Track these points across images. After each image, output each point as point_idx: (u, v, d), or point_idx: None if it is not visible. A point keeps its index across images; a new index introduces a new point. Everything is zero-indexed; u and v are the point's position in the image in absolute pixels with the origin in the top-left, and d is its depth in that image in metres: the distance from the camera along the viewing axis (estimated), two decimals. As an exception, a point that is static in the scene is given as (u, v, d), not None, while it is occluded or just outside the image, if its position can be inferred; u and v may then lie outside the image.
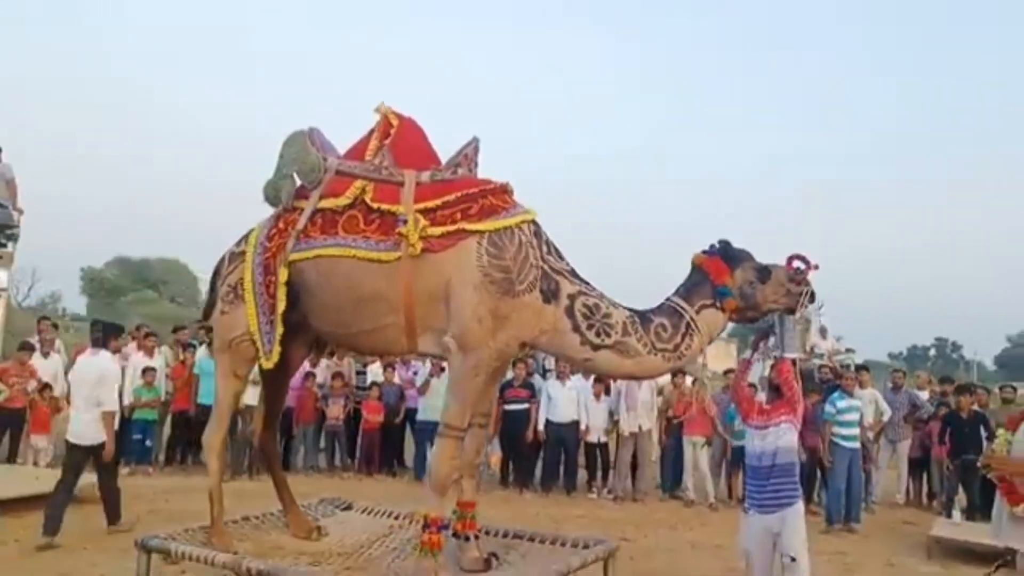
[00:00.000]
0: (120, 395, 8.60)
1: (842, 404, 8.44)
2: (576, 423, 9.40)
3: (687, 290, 3.84)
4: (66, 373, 8.30)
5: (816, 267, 3.83)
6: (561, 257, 3.89)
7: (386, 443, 10.25)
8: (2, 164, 9.89)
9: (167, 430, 9.81)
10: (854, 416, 8.42)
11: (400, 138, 4.22)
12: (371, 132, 4.31)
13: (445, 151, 4.22)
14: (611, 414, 9.56)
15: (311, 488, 8.53)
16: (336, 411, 9.89)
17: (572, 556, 4.00)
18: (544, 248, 3.83)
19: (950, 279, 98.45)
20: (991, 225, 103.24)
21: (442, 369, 9.87)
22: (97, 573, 5.48)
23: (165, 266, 43.51)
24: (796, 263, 3.84)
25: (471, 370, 3.75)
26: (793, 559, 4.06)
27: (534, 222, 3.88)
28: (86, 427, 6.19)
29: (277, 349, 4.12)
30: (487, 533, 4.29)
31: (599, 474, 9.69)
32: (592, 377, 9.74)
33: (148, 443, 9.16)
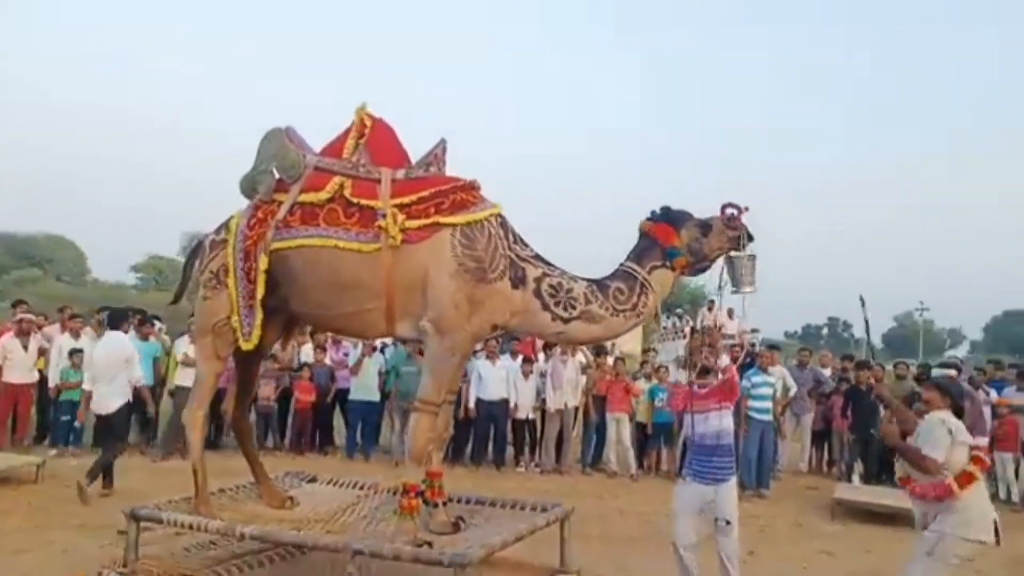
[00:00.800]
0: (45, 376, 8.51)
1: (757, 380, 9.11)
2: (505, 401, 9.75)
3: (637, 255, 4.29)
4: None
5: (747, 208, 4.29)
6: (526, 245, 4.27)
7: (317, 423, 10.36)
8: None
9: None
10: (768, 391, 9.11)
11: (374, 138, 4.52)
12: (347, 131, 4.58)
13: (414, 148, 4.54)
14: (538, 392, 9.97)
15: (243, 465, 8.64)
16: (268, 391, 9.96)
17: (534, 517, 4.36)
18: (510, 238, 4.22)
19: (841, 261, 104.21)
20: (879, 211, 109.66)
21: (374, 349, 10.12)
22: (56, 549, 5.54)
23: (51, 243, 41.35)
24: (729, 210, 4.29)
25: (448, 351, 4.13)
26: (728, 523, 4.60)
27: (500, 215, 4.25)
28: (109, 399, 7.16)
29: (257, 332, 4.37)
30: (452, 500, 4.57)
31: (526, 449, 10.10)
32: (520, 357, 10.18)
33: (76, 424, 8.96)
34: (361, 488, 5.09)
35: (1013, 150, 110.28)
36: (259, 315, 4.34)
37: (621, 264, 4.30)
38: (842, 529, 7.52)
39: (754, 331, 19.06)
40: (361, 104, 4.61)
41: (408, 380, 9.55)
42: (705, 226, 4.25)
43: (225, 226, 4.56)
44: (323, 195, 4.27)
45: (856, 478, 9.36)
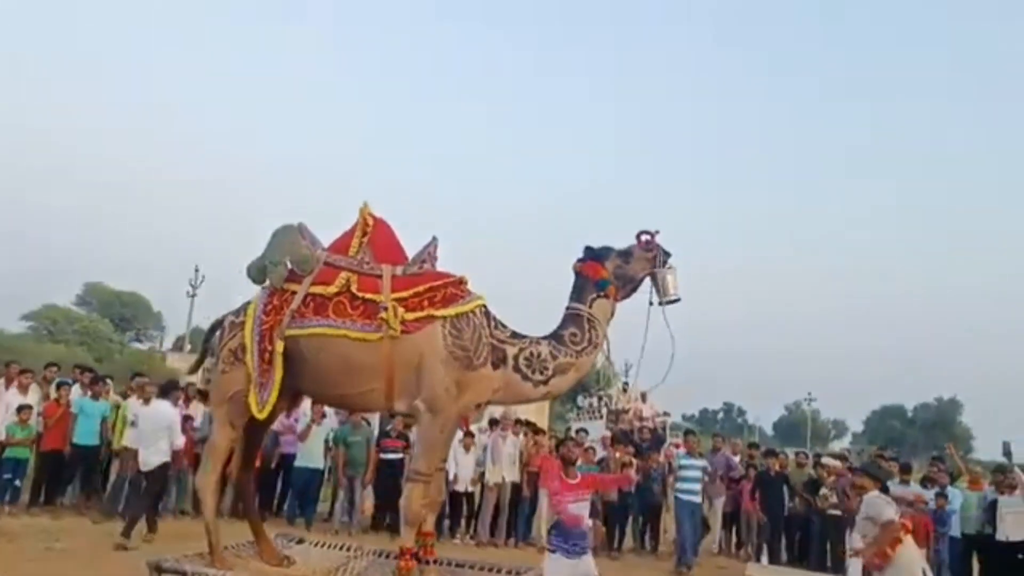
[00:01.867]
0: None
1: (686, 462, 9.98)
2: (444, 472, 10.22)
3: (577, 294, 5.08)
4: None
5: (657, 232, 5.13)
6: (504, 327, 5.01)
7: (259, 487, 10.47)
8: None
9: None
10: (696, 474, 9.91)
11: (376, 236, 5.22)
12: (352, 229, 5.27)
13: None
14: (477, 464, 10.51)
15: (188, 529, 8.84)
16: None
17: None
18: (492, 324, 4.95)
19: (738, 348, 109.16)
20: (779, 304, 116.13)
21: (324, 415, 10.47)
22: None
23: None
24: (643, 237, 5.12)
25: (439, 427, 4.82)
26: None
27: (484, 306, 4.98)
28: (152, 458, 8.21)
29: (270, 405, 4.90)
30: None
31: (463, 521, 10.53)
32: (463, 431, 10.74)
33: (17, 483, 8.92)
34: (347, 550, 5.55)
35: (897, 252, 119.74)
36: (275, 392, 4.86)
37: (567, 307, 5.03)
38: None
39: (665, 414, 20.29)
40: (364, 204, 5.32)
41: (356, 450, 10.00)
42: (626, 254, 5.11)
43: (243, 310, 5.14)
44: (332, 289, 4.92)
45: (764, 558, 10.26)
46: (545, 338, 4.97)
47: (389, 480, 10.17)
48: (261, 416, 4.94)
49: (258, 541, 5.28)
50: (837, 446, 64.66)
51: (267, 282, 5.14)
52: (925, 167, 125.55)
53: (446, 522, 10.46)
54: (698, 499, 9.87)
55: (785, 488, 10.46)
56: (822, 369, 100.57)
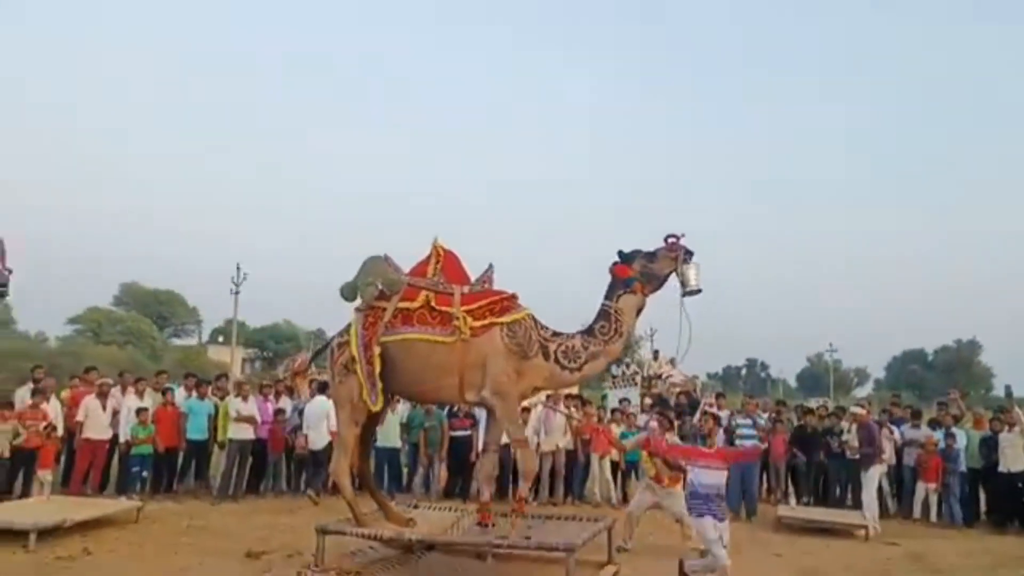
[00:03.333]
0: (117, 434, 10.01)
1: (742, 421, 11.37)
2: (508, 445, 11.55)
3: (608, 292, 6.31)
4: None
5: (683, 235, 6.29)
6: (547, 328, 6.34)
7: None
8: None
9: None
10: (751, 431, 11.20)
11: (446, 263, 6.55)
12: (427, 258, 6.58)
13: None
14: (535, 435, 11.82)
15: (289, 504, 10.28)
16: (303, 441, 11.43)
17: (589, 526, 6.24)
18: (538, 328, 6.29)
19: (759, 305, 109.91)
20: (795, 256, 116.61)
21: (398, 401, 11.80)
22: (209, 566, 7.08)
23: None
24: (669, 239, 6.29)
25: (512, 404, 6.21)
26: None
27: (531, 315, 6.32)
28: (318, 440, 10.73)
29: (381, 398, 6.21)
30: (528, 516, 6.42)
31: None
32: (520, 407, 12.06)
33: (144, 474, 10.35)
34: (455, 511, 6.88)
35: (912, 200, 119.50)
36: (380, 385, 6.17)
37: (601, 304, 6.28)
38: (786, 539, 9.62)
39: (695, 377, 21.51)
40: (435, 238, 6.67)
41: (432, 432, 11.45)
42: (651, 255, 6.32)
43: (346, 331, 6.43)
44: (415, 304, 6.28)
45: (792, 501, 11.55)
46: (579, 332, 6.32)
47: (459, 455, 11.60)
48: (376, 408, 6.24)
49: (384, 509, 6.58)
50: (860, 394, 65.87)
51: (358, 301, 6.43)
52: (947, 115, 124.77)
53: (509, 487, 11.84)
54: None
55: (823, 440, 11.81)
56: (842, 320, 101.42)
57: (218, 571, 6.89)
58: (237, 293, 41.44)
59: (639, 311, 6.32)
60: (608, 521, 6.48)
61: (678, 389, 18.55)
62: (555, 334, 6.28)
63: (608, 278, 6.41)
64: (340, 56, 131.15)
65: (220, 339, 60.19)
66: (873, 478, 10.33)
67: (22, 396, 10.19)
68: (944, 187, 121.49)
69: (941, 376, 64.55)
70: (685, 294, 6.20)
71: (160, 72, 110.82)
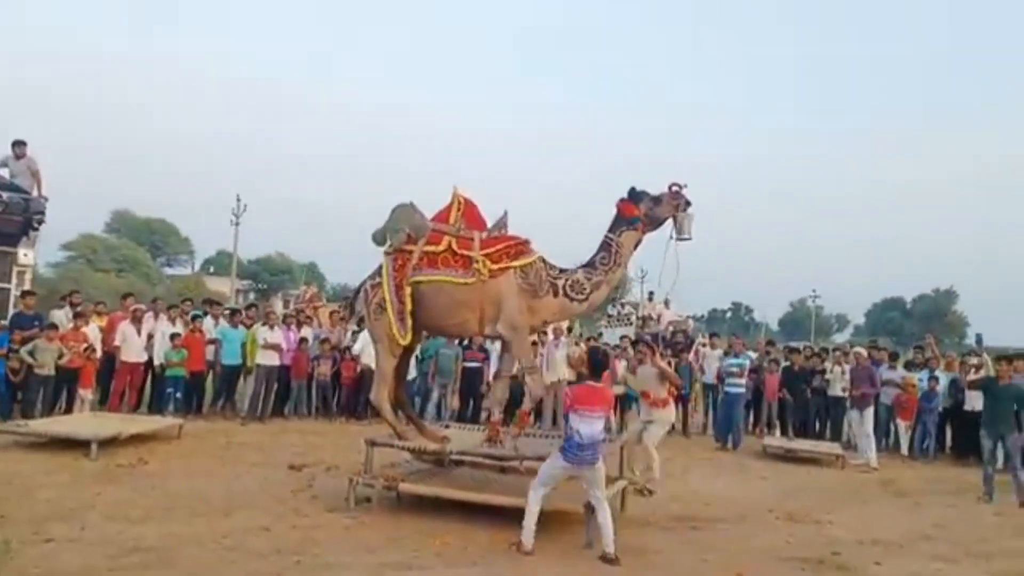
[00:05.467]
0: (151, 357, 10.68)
1: (731, 361, 12.21)
2: (516, 376, 12.33)
3: (612, 226, 6.90)
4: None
5: (685, 185, 6.93)
6: (555, 268, 6.96)
7: (360, 395, 12.48)
8: (28, 157, 11.38)
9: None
10: (739, 370, 12.01)
11: (467, 211, 7.12)
12: (449, 206, 7.12)
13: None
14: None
15: (309, 427, 11.05)
16: (324, 368, 12.21)
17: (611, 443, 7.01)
18: (547, 268, 6.92)
19: (744, 248, 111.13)
20: (783, 203, 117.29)
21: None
22: (258, 475, 7.85)
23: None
24: (673, 187, 6.92)
25: (524, 337, 6.96)
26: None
27: (542, 258, 6.95)
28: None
29: (409, 333, 6.88)
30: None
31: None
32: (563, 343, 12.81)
33: (178, 395, 11.08)
34: (481, 430, 7.65)
35: (896, 145, 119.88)
36: (409, 322, 6.83)
37: (604, 236, 6.87)
38: (770, 466, 10.57)
39: (690, 317, 22.34)
40: (454, 187, 7.20)
41: (444, 361, 12.19)
42: (657, 199, 6.91)
43: (378, 273, 7.04)
44: (440, 248, 6.88)
45: (777, 432, 12.51)
46: (582, 266, 6.94)
47: (471, 384, 12.41)
48: (405, 342, 6.89)
49: (420, 429, 7.31)
50: (839, 339, 67.57)
51: (388, 244, 7.01)
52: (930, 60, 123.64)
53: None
54: (740, 390, 11.95)
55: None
56: (826, 267, 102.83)
57: (265, 480, 7.63)
58: (237, 224, 41.64)
59: (636, 245, 6.98)
60: (620, 439, 7.27)
61: (672, 328, 19.45)
62: (562, 271, 6.93)
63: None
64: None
65: (211, 269, 60.53)
66: (870, 417, 11.16)
67: (60, 319, 10.80)
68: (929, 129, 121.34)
69: (918, 323, 66.16)
70: (678, 240, 6.87)
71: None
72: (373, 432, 7.44)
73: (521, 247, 6.88)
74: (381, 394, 7.03)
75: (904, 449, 11.90)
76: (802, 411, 12.83)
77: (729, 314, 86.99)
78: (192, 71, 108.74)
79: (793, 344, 16.99)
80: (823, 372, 12.92)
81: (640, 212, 6.86)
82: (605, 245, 6.90)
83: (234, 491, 7.14)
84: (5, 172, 11.60)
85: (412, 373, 12.38)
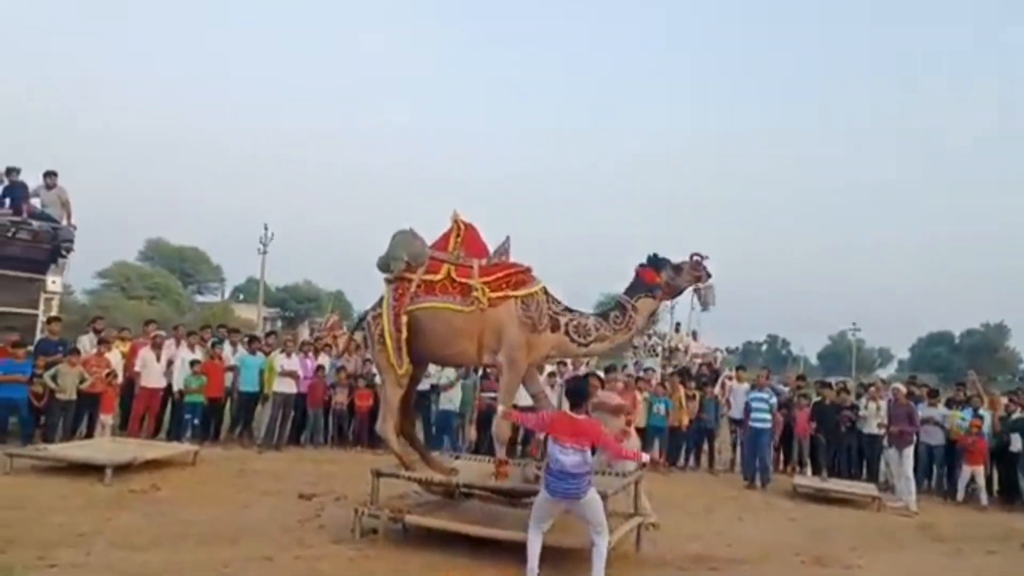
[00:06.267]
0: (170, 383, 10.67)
1: (755, 395, 11.71)
2: (528, 408, 12.10)
3: (629, 289, 6.90)
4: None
5: (707, 256, 6.85)
6: (559, 303, 6.82)
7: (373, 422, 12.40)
8: (59, 188, 11.71)
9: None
10: (764, 404, 11.53)
11: (467, 236, 6.99)
12: (449, 231, 7.01)
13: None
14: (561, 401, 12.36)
15: (324, 456, 10.90)
16: (341, 397, 12.12)
17: (618, 479, 6.76)
18: (549, 301, 6.76)
19: (782, 282, 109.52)
20: (819, 235, 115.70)
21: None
22: (267, 504, 7.74)
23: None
24: (695, 257, 6.82)
25: (517, 375, 6.69)
26: None
27: (544, 288, 6.79)
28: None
29: (407, 363, 6.70)
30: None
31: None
32: (546, 372, 12.59)
33: (196, 421, 11.05)
34: (491, 462, 7.43)
35: (936, 183, 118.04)
36: (405, 350, 6.66)
37: (620, 296, 6.81)
38: (800, 506, 10.13)
39: (717, 350, 21.99)
40: (454, 211, 7.08)
41: (464, 392, 12.23)
42: (677, 267, 6.83)
43: (379, 303, 6.91)
44: (438, 276, 6.74)
45: (808, 472, 12.03)
46: (594, 314, 6.83)
47: (488, 415, 12.14)
48: (401, 372, 6.71)
49: (425, 459, 7.10)
50: (883, 374, 65.71)
51: (391, 271, 6.87)
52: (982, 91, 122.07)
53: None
54: (765, 425, 11.45)
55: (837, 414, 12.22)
56: (867, 299, 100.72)
57: (275, 509, 7.51)
58: (264, 253, 42.13)
59: (652, 314, 6.88)
60: (637, 474, 6.99)
61: (700, 360, 19.11)
62: (567, 309, 6.78)
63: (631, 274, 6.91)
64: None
65: (240, 297, 61.28)
66: (909, 457, 10.62)
67: (84, 344, 10.90)
68: (975, 170, 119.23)
69: (967, 359, 63.92)
70: (702, 310, 6.92)
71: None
72: (388, 462, 7.28)
73: (522, 276, 6.73)
74: (387, 425, 6.88)
75: (960, 496, 11.06)
76: (834, 449, 12.34)
77: (765, 346, 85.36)
78: (223, 102, 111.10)
79: (827, 380, 16.44)
80: (855, 408, 12.45)
81: (660, 280, 6.77)
82: (620, 307, 6.80)
83: (242, 519, 7.07)
84: (37, 202, 11.87)
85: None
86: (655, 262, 6.79)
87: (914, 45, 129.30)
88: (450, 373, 11.98)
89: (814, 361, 79.24)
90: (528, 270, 6.78)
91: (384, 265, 6.93)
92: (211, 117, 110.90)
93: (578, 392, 5.67)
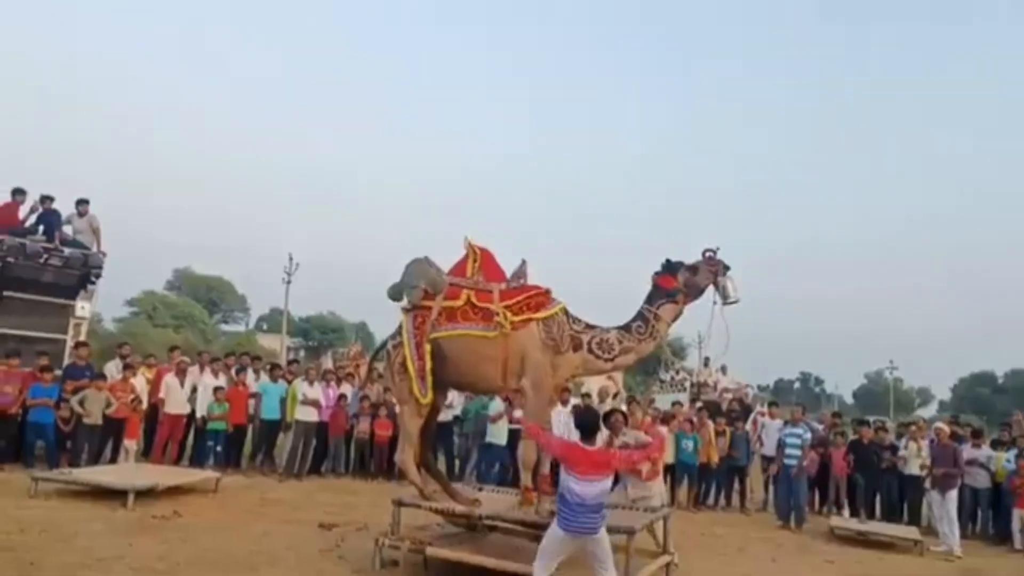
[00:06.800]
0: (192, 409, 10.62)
1: (788, 431, 11.34)
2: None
3: (649, 298, 6.64)
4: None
5: (718, 248, 6.62)
6: (579, 321, 6.65)
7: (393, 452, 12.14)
8: (90, 215, 11.93)
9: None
10: (798, 440, 11.15)
11: (484, 263, 6.90)
12: (465, 258, 6.93)
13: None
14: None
15: (345, 486, 10.74)
16: (364, 426, 11.99)
17: (646, 515, 6.51)
18: (571, 322, 6.61)
19: (817, 319, 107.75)
20: (853, 271, 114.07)
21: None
22: (286, 532, 7.60)
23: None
24: (707, 253, 6.60)
25: (543, 398, 6.53)
26: None
27: (565, 309, 6.65)
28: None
29: (431, 392, 6.59)
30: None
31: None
32: (570, 406, 12.35)
33: (218, 449, 11.00)
34: (516, 495, 7.21)
35: (974, 218, 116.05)
36: (429, 380, 6.55)
37: (641, 307, 6.62)
38: (838, 549, 9.70)
39: (747, 386, 21.52)
40: (466, 237, 6.99)
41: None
42: (693, 268, 6.60)
43: (398, 333, 6.81)
44: (458, 302, 6.62)
45: (846, 512, 11.58)
46: (616, 328, 6.61)
47: (514, 446, 11.91)
48: (425, 400, 6.58)
49: (448, 491, 6.91)
50: (924, 415, 63.80)
51: (404, 301, 6.77)
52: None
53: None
54: (804, 463, 10.99)
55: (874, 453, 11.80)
56: (904, 337, 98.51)
57: (295, 538, 7.36)
58: (289, 282, 42.48)
59: (675, 318, 6.66)
60: (666, 511, 6.74)
61: (730, 395, 18.68)
62: (588, 326, 6.62)
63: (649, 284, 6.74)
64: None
65: (264, 327, 61.86)
66: (953, 500, 10.20)
67: (110, 370, 10.93)
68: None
69: (1011, 400, 62.01)
70: (725, 304, 6.54)
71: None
72: (409, 492, 7.10)
73: (542, 298, 6.62)
74: (406, 455, 6.72)
75: (1019, 543, 10.38)
76: (873, 490, 11.87)
77: (797, 384, 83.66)
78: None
79: (864, 418, 15.89)
80: (895, 448, 12.00)
81: (678, 283, 6.58)
82: (641, 316, 6.60)
83: (261, 548, 6.94)
84: (69, 229, 12.05)
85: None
86: (669, 267, 6.65)
87: (943, 76, 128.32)
88: (497, 404, 11.88)
89: (849, 400, 77.46)
90: (547, 292, 6.67)
91: (396, 294, 6.82)
92: (241, 150, 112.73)
93: (588, 425, 5.48)
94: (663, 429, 12.06)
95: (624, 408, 12.62)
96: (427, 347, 6.54)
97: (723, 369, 22.16)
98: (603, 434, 7.32)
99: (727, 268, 6.55)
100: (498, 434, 11.90)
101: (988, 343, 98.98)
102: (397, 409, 11.75)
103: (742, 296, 6.51)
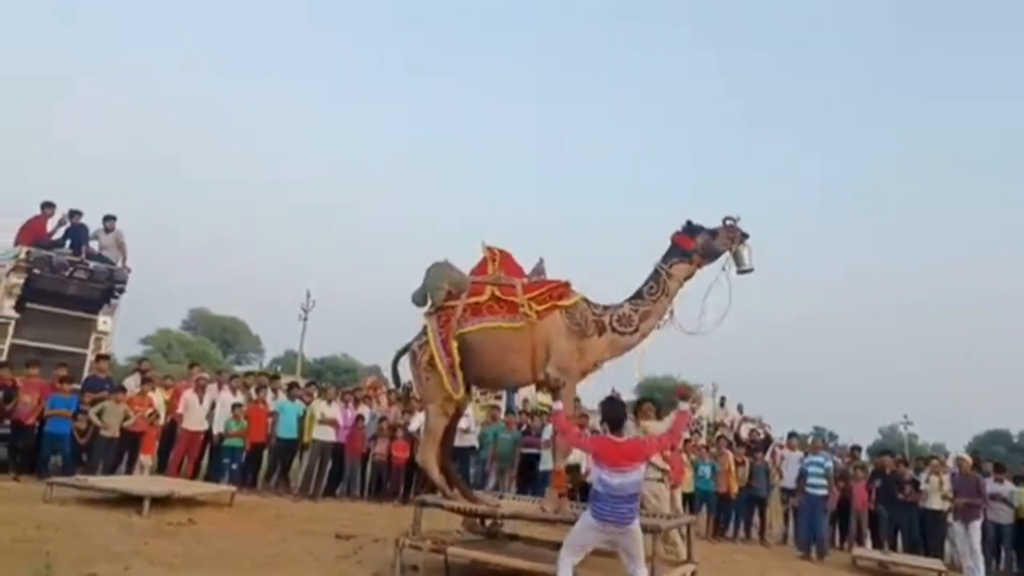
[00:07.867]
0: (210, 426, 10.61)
1: (811, 459, 11.24)
2: (578, 466, 11.71)
3: (665, 257, 6.65)
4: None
5: (739, 217, 6.57)
6: (598, 306, 6.67)
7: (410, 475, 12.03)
8: (117, 231, 12.15)
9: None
10: (819, 469, 11.02)
11: (504, 262, 6.99)
12: (485, 259, 7.02)
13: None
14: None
15: (359, 508, 10.65)
16: (382, 448, 11.90)
17: (671, 521, 6.42)
18: (591, 308, 6.64)
19: (828, 373, 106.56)
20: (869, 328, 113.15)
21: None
22: (304, 541, 7.53)
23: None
24: (728, 221, 6.60)
25: (572, 383, 6.52)
26: None
27: (585, 298, 6.69)
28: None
29: (462, 387, 6.58)
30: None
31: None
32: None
33: (234, 466, 10.94)
34: (535, 501, 7.15)
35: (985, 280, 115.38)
36: (460, 375, 6.54)
37: (655, 264, 6.64)
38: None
39: (766, 423, 21.33)
40: (483, 242, 7.08)
41: (504, 446, 11.80)
42: (712, 232, 6.63)
43: (423, 334, 6.81)
44: (483, 298, 6.68)
45: (868, 543, 11.34)
46: (627, 300, 6.63)
47: (528, 469, 11.91)
48: (458, 396, 6.59)
49: (468, 498, 6.73)
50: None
51: (428, 304, 6.82)
52: None
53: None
54: (822, 492, 10.91)
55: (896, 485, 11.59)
56: (918, 395, 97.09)
57: (312, 546, 7.28)
58: (305, 320, 42.55)
59: (687, 278, 6.67)
60: (689, 519, 6.65)
61: (751, 424, 18.60)
62: (605, 308, 6.66)
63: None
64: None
65: (279, 367, 61.86)
66: (977, 531, 10.05)
67: (130, 384, 10.99)
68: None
69: (1026, 458, 60.86)
70: (739, 272, 6.56)
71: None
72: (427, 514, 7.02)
73: (563, 290, 6.68)
74: (428, 454, 6.68)
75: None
76: (895, 524, 11.64)
77: (810, 439, 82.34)
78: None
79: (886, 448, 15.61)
80: (916, 484, 11.78)
81: (696, 245, 6.63)
82: (654, 275, 6.64)
83: (279, 551, 6.93)
84: (95, 244, 12.24)
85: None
86: (690, 228, 6.68)
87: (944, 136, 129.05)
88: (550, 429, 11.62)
89: (864, 456, 76.15)
90: (567, 284, 6.73)
91: (421, 298, 6.88)
92: (261, 194, 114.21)
93: (615, 416, 5.43)
94: (684, 405, 11.91)
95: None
96: (454, 343, 6.56)
97: (739, 408, 22.05)
98: (630, 424, 7.23)
99: (745, 236, 6.58)
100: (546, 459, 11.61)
101: (1003, 400, 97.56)
102: (412, 427, 11.91)
103: (756, 266, 6.53)
